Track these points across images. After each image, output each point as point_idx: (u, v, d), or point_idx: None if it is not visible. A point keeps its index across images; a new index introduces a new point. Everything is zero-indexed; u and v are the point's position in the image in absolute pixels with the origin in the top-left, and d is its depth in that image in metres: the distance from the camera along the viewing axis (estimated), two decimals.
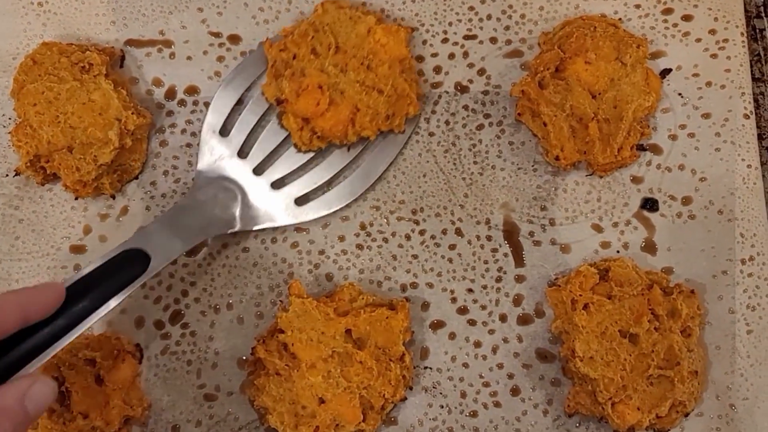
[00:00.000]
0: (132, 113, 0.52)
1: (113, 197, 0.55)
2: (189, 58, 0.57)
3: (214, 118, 0.54)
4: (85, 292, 0.42)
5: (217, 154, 0.53)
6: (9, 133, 0.53)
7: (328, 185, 0.54)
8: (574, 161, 0.53)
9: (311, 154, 0.54)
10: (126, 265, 0.45)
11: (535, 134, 0.54)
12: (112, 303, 0.43)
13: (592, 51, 0.52)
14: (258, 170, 0.54)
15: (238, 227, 0.52)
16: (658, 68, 0.55)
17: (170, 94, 0.56)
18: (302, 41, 0.52)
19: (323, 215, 0.54)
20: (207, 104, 0.56)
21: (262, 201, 0.53)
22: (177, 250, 0.48)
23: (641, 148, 0.54)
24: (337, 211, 0.54)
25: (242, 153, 0.54)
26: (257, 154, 0.54)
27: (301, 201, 0.54)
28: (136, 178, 0.55)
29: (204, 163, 0.53)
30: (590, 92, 0.52)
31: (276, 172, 0.54)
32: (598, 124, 0.52)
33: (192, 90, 0.56)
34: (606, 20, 0.55)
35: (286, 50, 0.53)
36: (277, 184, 0.54)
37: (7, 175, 0.55)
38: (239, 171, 0.53)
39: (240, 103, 0.55)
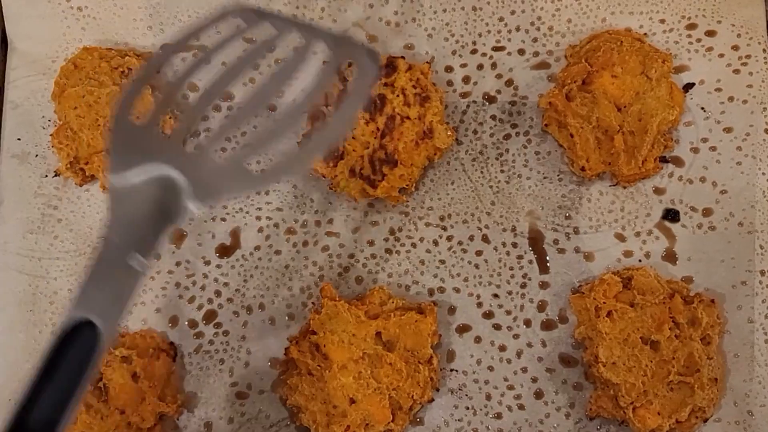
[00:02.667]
0: (169, 117, 0.54)
1: None
2: (224, 63, 0.58)
3: (123, 107, 0.42)
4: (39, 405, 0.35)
5: (134, 144, 0.41)
6: (50, 135, 0.54)
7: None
8: (599, 172, 0.54)
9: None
10: (69, 350, 0.36)
11: (561, 145, 0.55)
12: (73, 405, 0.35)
13: (618, 65, 0.54)
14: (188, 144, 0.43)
15: (179, 220, 0.41)
16: (682, 82, 0.56)
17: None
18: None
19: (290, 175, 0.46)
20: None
21: (208, 175, 0.41)
22: (123, 299, 0.38)
23: (664, 160, 0.55)
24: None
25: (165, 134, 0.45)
26: (183, 128, 0.44)
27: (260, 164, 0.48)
28: None
29: (118, 163, 0.40)
30: (616, 105, 0.54)
31: (216, 141, 0.44)
32: (623, 136, 0.53)
33: (226, 96, 0.58)
34: (632, 34, 0.56)
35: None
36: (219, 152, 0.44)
37: (47, 176, 0.56)
38: (167, 149, 0.42)
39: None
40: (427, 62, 0.55)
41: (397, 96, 0.53)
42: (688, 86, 0.56)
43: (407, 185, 0.53)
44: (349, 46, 0.44)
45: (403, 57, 0.54)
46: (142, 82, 0.44)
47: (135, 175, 0.40)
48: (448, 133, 0.53)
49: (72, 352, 0.36)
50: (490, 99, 0.57)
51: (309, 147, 0.44)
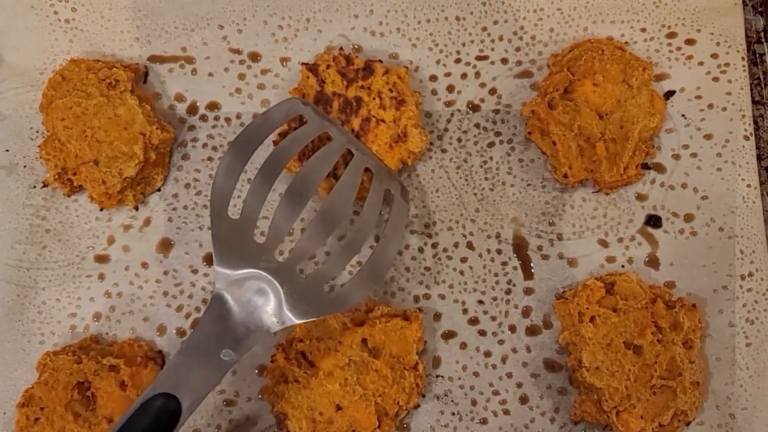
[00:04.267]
0: (156, 128, 0.54)
1: (136, 209, 0.57)
2: (210, 74, 0.59)
3: (220, 201, 0.47)
4: None
5: (234, 243, 0.47)
6: (37, 146, 0.55)
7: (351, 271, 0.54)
8: (582, 179, 0.55)
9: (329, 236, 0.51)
10: (152, 421, 0.39)
11: (544, 152, 0.56)
12: None
13: (599, 73, 0.54)
14: (281, 254, 0.49)
15: (292, 322, 0.46)
16: (663, 90, 0.57)
17: (192, 109, 0.58)
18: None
19: (355, 301, 0.50)
20: (228, 120, 0.58)
21: (297, 290, 0.47)
22: (209, 384, 0.42)
23: (646, 166, 0.56)
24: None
25: (259, 238, 0.49)
26: (276, 237, 0.48)
27: (331, 287, 0.53)
28: (159, 190, 0.57)
29: (222, 257, 0.46)
30: (598, 113, 0.54)
31: (300, 253, 0.48)
32: (605, 143, 0.54)
33: (213, 105, 0.58)
34: (613, 43, 0.57)
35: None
36: (303, 268, 0.50)
37: (35, 187, 0.57)
38: (265, 259, 0.47)
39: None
40: (404, 66, 0.55)
41: (373, 99, 0.54)
42: (669, 94, 0.57)
43: None
44: (390, 180, 0.52)
45: (380, 60, 0.55)
46: (233, 172, 0.48)
47: (238, 275, 0.46)
48: (423, 137, 0.54)
49: (150, 423, 0.39)
50: (474, 107, 0.58)
51: (372, 273, 0.50)
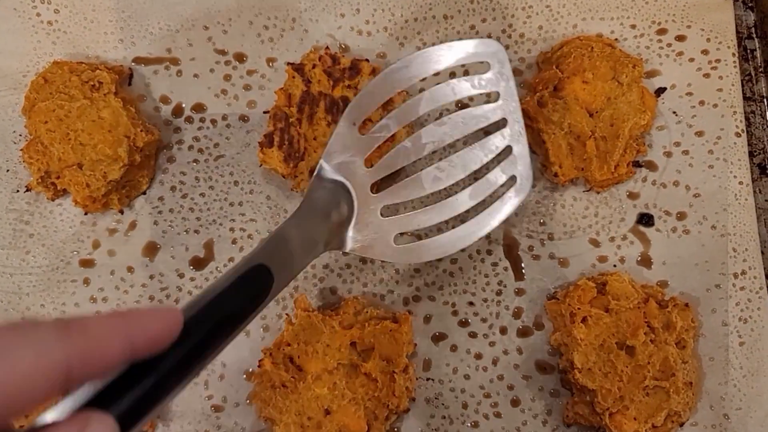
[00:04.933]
0: (141, 130, 0.54)
1: (122, 212, 0.56)
2: (196, 75, 0.58)
3: (357, 110, 0.50)
4: (206, 320, 0.34)
5: (345, 152, 0.49)
6: (20, 150, 0.54)
7: (435, 230, 0.54)
8: (573, 177, 0.54)
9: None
10: (249, 286, 0.39)
11: (533, 151, 0.55)
12: (236, 333, 0.36)
13: (589, 71, 0.54)
14: (374, 187, 0.50)
15: (343, 248, 0.48)
16: (653, 87, 0.56)
17: (177, 111, 0.58)
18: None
19: (410, 261, 0.52)
20: (214, 121, 0.57)
21: (368, 224, 0.49)
22: (299, 266, 0.43)
23: (637, 164, 0.55)
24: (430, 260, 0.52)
25: (368, 160, 0.50)
26: (381, 169, 0.50)
27: (401, 237, 0.52)
28: (144, 193, 0.56)
29: (330, 155, 0.48)
30: (587, 111, 0.54)
31: (392, 196, 0.50)
32: (595, 141, 0.53)
33: (199, 107, 0.58)
34: (602, 40, 0.56)
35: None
36: (386, 210, 0.50)
37: (18, 191, 0.56)
38: (359, 181, 0.49)
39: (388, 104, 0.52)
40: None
41: None
42: (660, 90, 0.56)
43: None
44: (525, 174, 0.51)
45: (367, 59, 0.54)
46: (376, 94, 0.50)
47: (332, 181, 0.48)
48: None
49: (245, 289, 0.38)
50: (462, 107, 0.57)
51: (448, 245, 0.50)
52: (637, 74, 0.54)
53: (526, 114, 0.54)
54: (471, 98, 0.56)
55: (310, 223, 0.45)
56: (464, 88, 0.51)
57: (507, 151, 0.51)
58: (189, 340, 0.32)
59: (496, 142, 0.51)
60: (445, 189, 0.51)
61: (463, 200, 0.50)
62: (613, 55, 0.54)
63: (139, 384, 0.28)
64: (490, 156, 0.51)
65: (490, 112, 0.51)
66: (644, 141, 0.55)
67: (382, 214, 0.49)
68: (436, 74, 0.53)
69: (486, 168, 0.51)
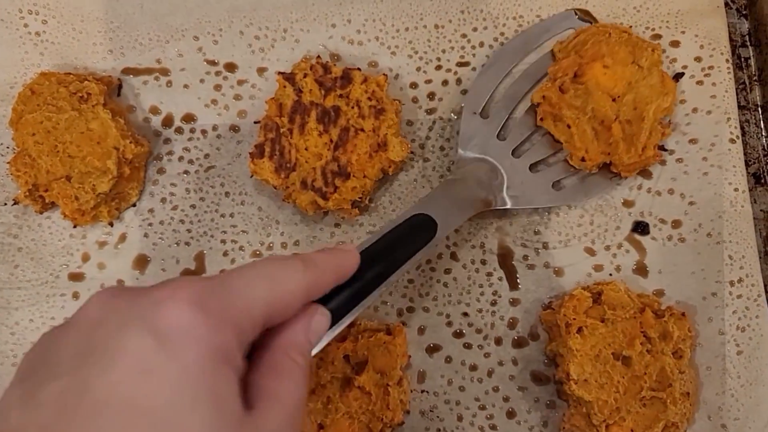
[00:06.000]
0: (130, 142, 0.53)
1: (111, 225, 0.55)
2: (186, 86, 0.58)
3: (474, 101, 0.55)
4: (379, 258, 0.42)
5: (477, 135, 0.54)
6: (8, 162, 0.53)
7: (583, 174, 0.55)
8: (599, 162, 0.53)
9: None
10: (415, 231, 0.46)
11: (557, 140, 0.55)
12: (405, 268, 0.44)
13: (608, 56, 0.53)
14: (516, 152, 0.55)
15: (505, 205, 0.53)
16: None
17: (167, 122, 0.57)
18: None
19: (578, 202, 0.55)
20: (204, 132, 0.57)
21: (521, 182, 0.54)
22: (457, 219, 0.50)
23: (662, 148, 0.54)
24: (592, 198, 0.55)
25: (500, 135, 0.55)
26: (515, 137, 0.55)
27: (557, 185, 0.55)
28: (134, 205, 0.56)
29: (465, 143, 0.54)
30: (610, 95, 0.53)
31: (534, 155, 0.55)
32: (620, 125, 0.52)
33: (189, 118, 0.57)
34: (618, 27, 0.55)
35: None
36: (535, 167, 0.55)
37: (5, 204, 0.55)
38: (499, 152, 0.54)
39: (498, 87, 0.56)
40: (383, 74, 0.54)
41: (352, 108, 0.53)
42: (678, 75, 0.56)
43: (360, 198, 0.53)
44: None
45: (358, 68, 0.54)
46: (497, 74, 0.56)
47: (472, 160, 0.54)
48: (403, 146, 0.53)
49: (411, 235, 0.46)
50: (456, 115, 0.57)
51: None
52: (656, 58, 0.53)
53: (548, 101, 0.53)
54: None
55: (459, 186, 0.51)
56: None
57: None
58: (365, 273, 0.40)
59: None
60: None
61: None
62: (630, 40, 0.53)
63: (337, 298, 0.38)
64: None
65: None
66: (668, 124, 0.54)
67: (531, 170, 0.54)
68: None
69: None
